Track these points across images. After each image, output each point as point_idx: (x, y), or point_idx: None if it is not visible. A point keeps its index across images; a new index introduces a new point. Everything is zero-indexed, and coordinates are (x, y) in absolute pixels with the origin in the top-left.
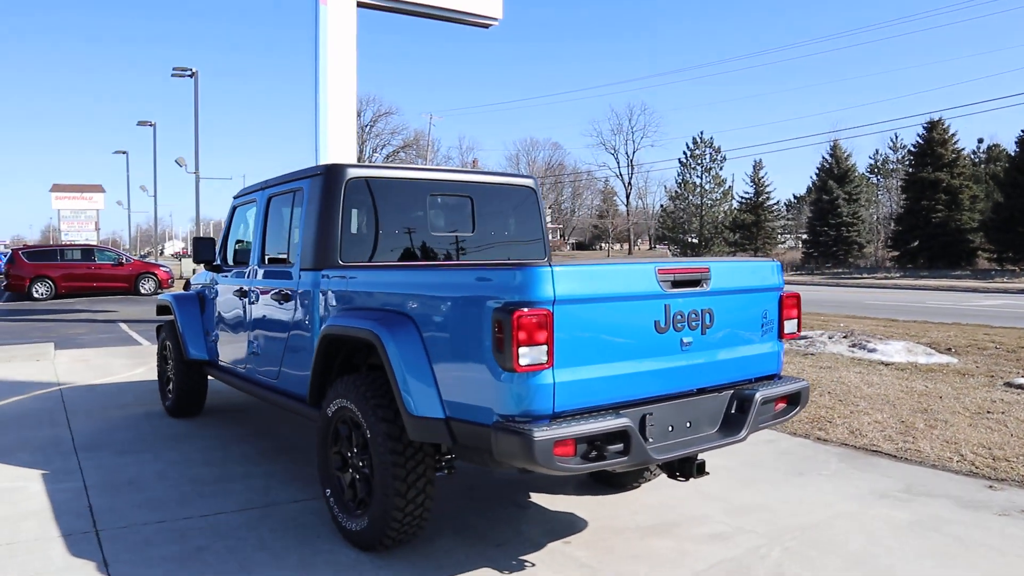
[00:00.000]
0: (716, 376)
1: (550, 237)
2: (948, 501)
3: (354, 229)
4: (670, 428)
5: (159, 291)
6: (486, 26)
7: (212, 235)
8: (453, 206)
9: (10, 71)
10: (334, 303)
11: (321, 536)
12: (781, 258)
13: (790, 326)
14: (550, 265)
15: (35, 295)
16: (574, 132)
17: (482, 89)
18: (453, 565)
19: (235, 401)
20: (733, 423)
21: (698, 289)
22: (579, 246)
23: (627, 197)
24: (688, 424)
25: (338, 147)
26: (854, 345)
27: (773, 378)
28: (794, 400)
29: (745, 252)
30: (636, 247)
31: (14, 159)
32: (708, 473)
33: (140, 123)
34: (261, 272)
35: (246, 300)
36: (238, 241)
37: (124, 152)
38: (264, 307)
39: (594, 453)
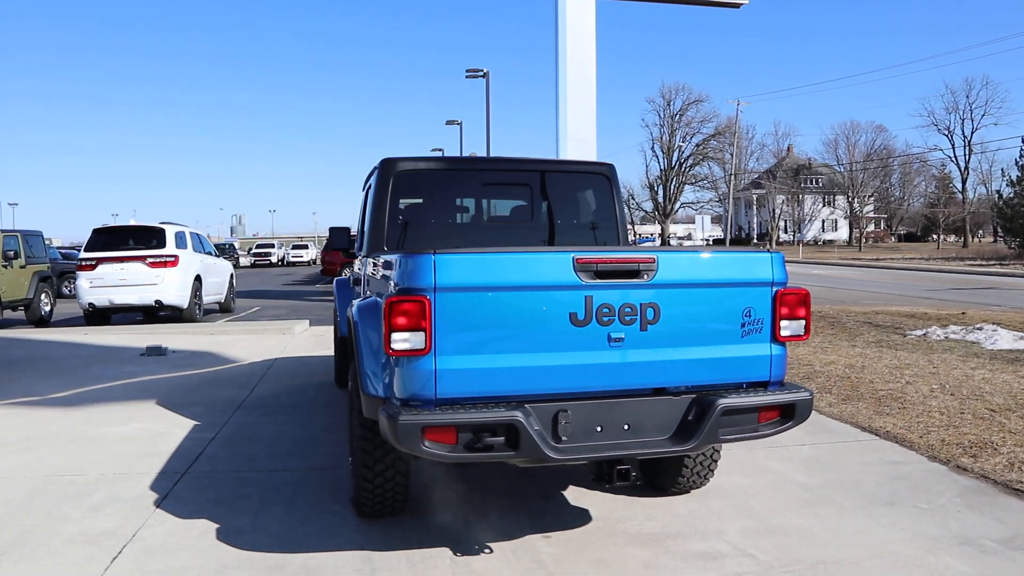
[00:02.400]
0: (665, 377)
1: (856, 225)
2: None
3: (399, 219)
4: (598, 428)
5: None
6: (736, 6)
7: None
8: (512, 195)
9: (354, 78)
10: (366, 288)
11: (344, 500)
12: None
13: (791, 327)
14: (433, 252)
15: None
16: (901, 113)
17: (799, 70)
18: (419, 539)
19: None
20: (688, 431)
21: (635, 281)
22: (908, 237)
23: (963, 183)
24: (626, 427)
25: (578, 137)
26: None
27: (765, 386)
28: (788, 413)
29: None
30: (976, 239)
31: (357, 157)
32: (634, 482)
33: (448, 122)
34: (357, 259)
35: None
36: None
37: (440, 150)
38: (351, 291)
39: (480, 444)
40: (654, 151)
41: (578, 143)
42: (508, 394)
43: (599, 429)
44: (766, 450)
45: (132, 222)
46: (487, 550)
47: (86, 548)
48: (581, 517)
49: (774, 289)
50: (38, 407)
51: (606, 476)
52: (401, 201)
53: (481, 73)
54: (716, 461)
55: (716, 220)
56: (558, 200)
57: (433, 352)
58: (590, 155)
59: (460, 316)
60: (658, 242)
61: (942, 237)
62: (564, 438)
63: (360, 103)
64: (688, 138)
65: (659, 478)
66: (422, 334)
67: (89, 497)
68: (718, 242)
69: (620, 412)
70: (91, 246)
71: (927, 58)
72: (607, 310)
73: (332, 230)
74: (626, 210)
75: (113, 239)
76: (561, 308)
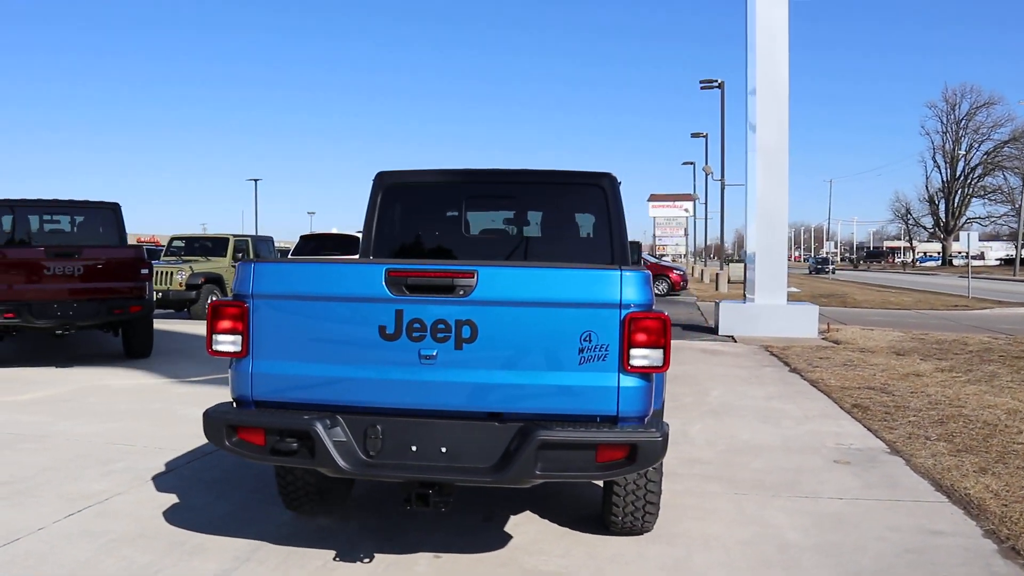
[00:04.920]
0: (486, 402)
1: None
2: None
3: (387, 231)
4: (413, 448)
5: (671, 292)
6: None
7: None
8: (498, 207)
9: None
10: None
11: None
12: None
13: (647, 357)
14: (253, 262)
15: None
16: None
17: None
18: (320, 539)
19: None
20: (507, 462)
21: (449, 296)
22: None
23: None
24: (443, 450)
25: (767, 147)
26: None
27: (615, 421)
28: (631, 455)
29: None
30: None
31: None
32: (437, 508)
33: (693, 135)
34: None
35: None
36: None
37: (691, 163)
38: None
39: (283, 449)
40: (935, 161)
41: (767, 154)
42: (322, 403)
43: (414, 449)
44: (788, 499)
45: (334, 230)
46: (367, 559)
47: (61, 503)
48: (496, 543)
49: (623, 312)
50: (167, 386)
51: (408, 498)
52: (390, 213)
53: (716, 84)
54: (651, 503)
55: (1011, 237)
56: (547, 212)
57: (250, 356)
58: (781, 166)
59: (276, 323)
60: (940, 261)
61: None
62: (372, 453)
63: (616, 117)
64: (976, 145)
65: (603, 516)
66: (239, 338)
67: (114, 464)
68: (1008, 262)
69: (436, 434)
70: (298, 251)
71: None
72: (418, 326)
73: (351, 238)
74: (625, 223)
75: (318, 245)
76: (372, 321)
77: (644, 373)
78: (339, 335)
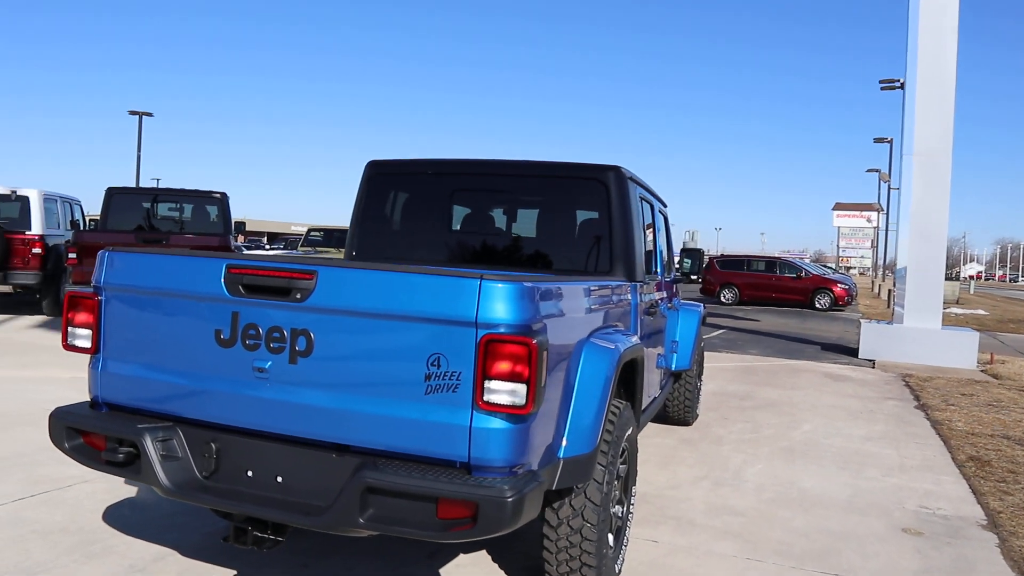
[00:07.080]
0: (322, 428)
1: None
2: None
3: (370, 226)
4: (249, 473)
5: (835, 307)
6: None
7: None
8: (488, 202)
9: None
10: None
11: None
12: None
13: (505, 392)
14: (107, 250)
15: (723, 299)
16: None
17: None
18: (204, 548)
19: None
20: (332, 504)
21: (286, 300)
22: None
23: None
24: (279, 479)
25: (927, 151)
26: None
27: (468, 470)
28: (476, 515)
29: None
30: None
31: (801, 181)
32: (261, 548)
33: (876, 140)
34: None
35: None
36: None
37: (876, 170)
38: None
39: (115, 459)
40: None
41: (925, 156)
42: (168, 412)
43: (249, 474)
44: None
45: None
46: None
47: (22, 486)
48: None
49: (480, 333)
50: None
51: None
52: (376, 206)
53: (898, 84)
54: (588, 565)
55: None
56: (544, 209)
57: (101, 353)
58: (943, 171)
59: (123, 319)
60: None
61: None
62: (204, 474)
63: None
64: None
65: None
66: (89, 333)
67: None
68: None
69: (272, 460)
70: None
71: None
72: (253, 332)
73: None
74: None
75: None
76: (210, 323)
77: (507, 413)
78: (182, 337)
